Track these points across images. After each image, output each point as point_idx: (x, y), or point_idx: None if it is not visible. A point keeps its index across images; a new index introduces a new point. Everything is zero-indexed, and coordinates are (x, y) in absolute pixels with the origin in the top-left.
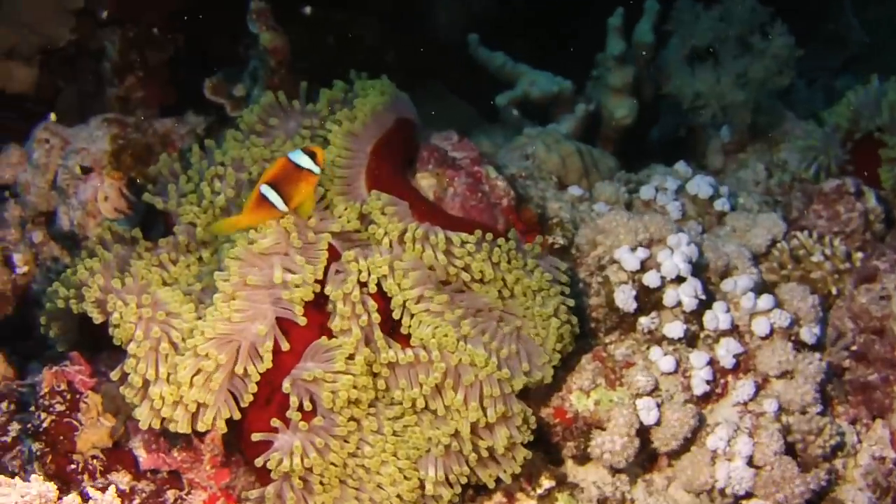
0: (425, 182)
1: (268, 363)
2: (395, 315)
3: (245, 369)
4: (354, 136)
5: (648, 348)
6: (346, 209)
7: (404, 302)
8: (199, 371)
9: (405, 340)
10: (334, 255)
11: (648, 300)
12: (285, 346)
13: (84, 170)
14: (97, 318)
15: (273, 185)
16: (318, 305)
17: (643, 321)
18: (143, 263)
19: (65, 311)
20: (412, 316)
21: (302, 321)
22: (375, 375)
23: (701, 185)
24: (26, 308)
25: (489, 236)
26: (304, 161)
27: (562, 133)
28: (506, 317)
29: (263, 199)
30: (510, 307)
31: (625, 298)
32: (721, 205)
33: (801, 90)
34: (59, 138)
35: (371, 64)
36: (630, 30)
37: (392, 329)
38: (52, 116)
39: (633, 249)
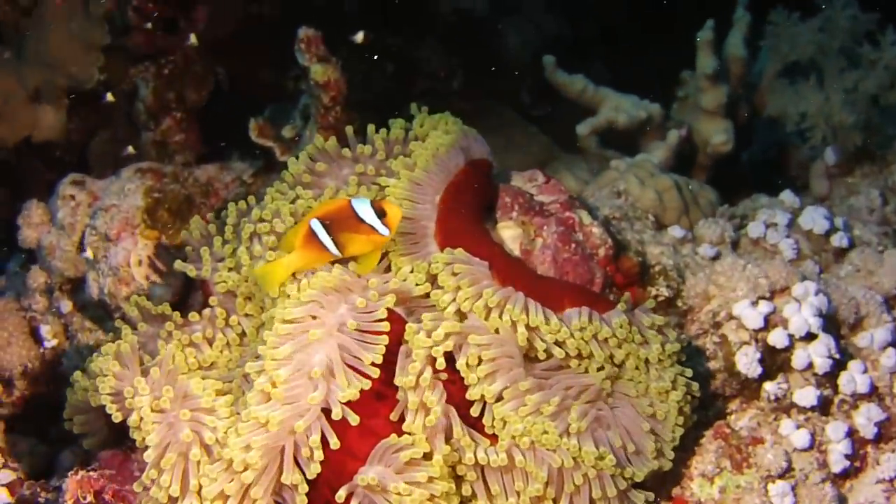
0: (509, 233)
1: (315, 469)
2: (474, 412)
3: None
4: (417, 185)
5: (776, 419)
6: (412, 270)
7: (482, 396)
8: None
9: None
10: (399, 327)
11: (773, 362)
12: (334, 441)
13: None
14: (115, 417)
15: (325, 222)
16: (385, 392)
17: (769, 387)
18: (173, 345)
19: (88, 402)
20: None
21: (354, 420)
22: (460, 478)
23: (816, 219)
24: (57, 385)
25: (593, 321)
26: (369, 216)
27: (653, 164)
28: (615, 395)
29: (313, 236)
30: (618, 384)
31: (748, 363)
32: (839, 240)
33: None
34: (87, 193)
35: (436, 92)
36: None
37: (469, 414)
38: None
39: (755, 303)
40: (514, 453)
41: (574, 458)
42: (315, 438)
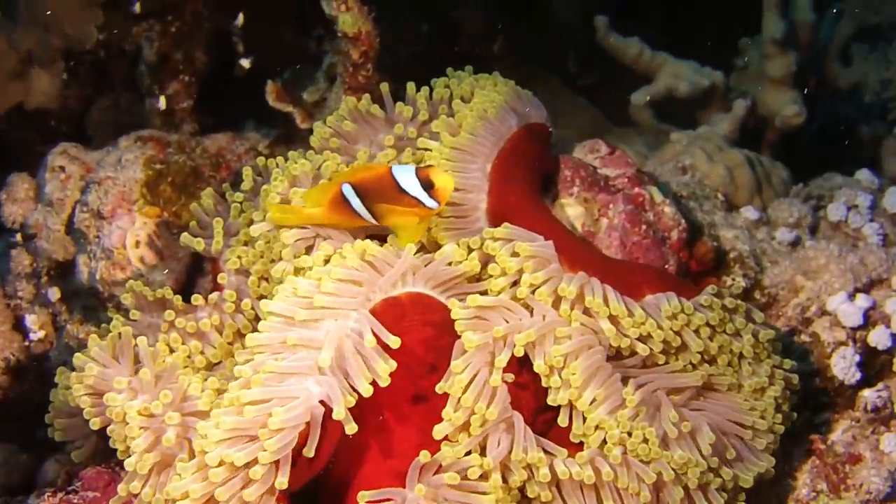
0: (570, 211)
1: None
2: (562, 421)
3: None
4: (462, 152)
5: (875, 433)
6: (456, 249)
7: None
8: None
9: (566, 439)
10: (438, 313)
11: (873, 366)
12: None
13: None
14: (94, 423)
15: (358, 189)
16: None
17: (868, 395)
18: (168, 338)
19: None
20: (584, 420)
21: (351, 429)
22: (530, 502)
23: None
24: (43, 383)
25: (685, 308)
26: (413, 187)
27: (720, 136)
28: (707, 393)
29: (344, 200)
30: (711, 381)
31: (846, 367)
32: None
33: None
34: (79, 164)
35: (474, 56)
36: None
37: (546, 421)
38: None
39: (852, 296)
40: (599, 465)
41: (675, 470)
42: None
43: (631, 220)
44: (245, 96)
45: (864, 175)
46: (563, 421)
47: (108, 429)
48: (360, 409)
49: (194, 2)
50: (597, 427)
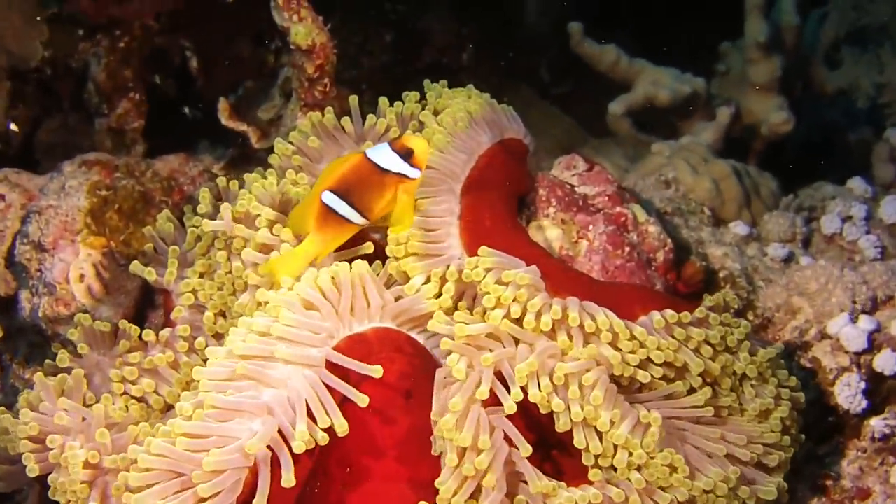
0: (547, 234)
1: None
2: (586, 463)
3: None
4: (433, 170)
5: (883, 464)
6: (427, 281)
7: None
8: None
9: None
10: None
11: (879, 392)
12: None
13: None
14: (31, 469)
15: (339, 192)
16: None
17: (875, 424)
18: (128, 372)
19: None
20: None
21: (287, 480)
22: None
23: None
24: None
25: (684, 316)
26: (393, 162)
27: (704, 147)
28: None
29: (329, 210)
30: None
31: (851, 394)
32: None
33: None
34: (20, 192)
35: (442, 67)
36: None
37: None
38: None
39: (854, 318)
40: (607, 491)
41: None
42: None
43: (613, 242)
44: (199, 115)
45: (856, 183)
46: (580, 442)
47: (50, 478)
48: (326, 460)
49: (144, 15)
50: (616, 448)
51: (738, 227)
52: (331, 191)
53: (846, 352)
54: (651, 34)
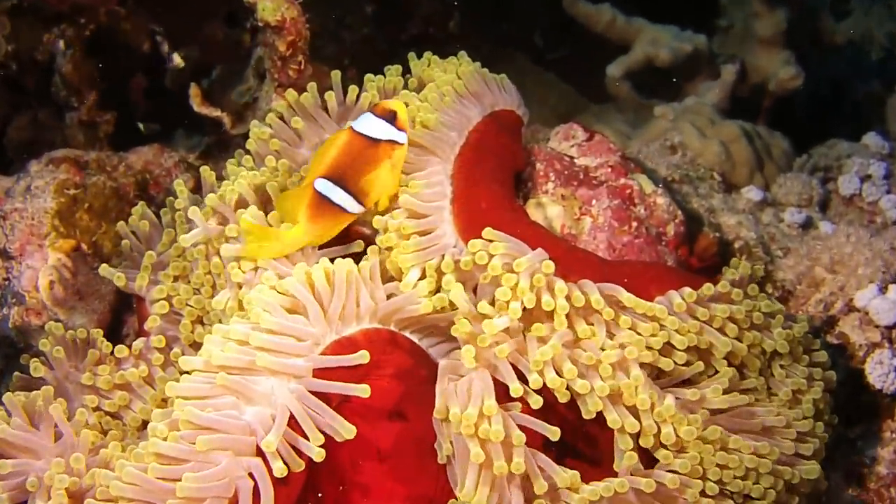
0: (548, 212)
1: None
2: (622, 447)
3: None
4: (421, 148)
5: None
6: (422, 277)
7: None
8: None
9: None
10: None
11: None
12: None
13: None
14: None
15: (334, 177)
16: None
17: None
18: (102, 381)
19: None
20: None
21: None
22: None
23: None
24: None
25: (706, 289)
26: (383, 130)
27: (710, 108)
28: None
29: (323, 199)
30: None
31: (884, 373)
32: None
33: None
34: None
35: (429, 38)
36: None
37: (561, 453)
38: None
39: (884, 288)
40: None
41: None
42: None
43: (619, 218)
44: (173, 102)
45: (872, 140)
46: (614, 422)
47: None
48: (317, 478)
49: (109, 1)
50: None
51: (751, 193)
52: (324, 178)
53: (876, 326)
54: None
